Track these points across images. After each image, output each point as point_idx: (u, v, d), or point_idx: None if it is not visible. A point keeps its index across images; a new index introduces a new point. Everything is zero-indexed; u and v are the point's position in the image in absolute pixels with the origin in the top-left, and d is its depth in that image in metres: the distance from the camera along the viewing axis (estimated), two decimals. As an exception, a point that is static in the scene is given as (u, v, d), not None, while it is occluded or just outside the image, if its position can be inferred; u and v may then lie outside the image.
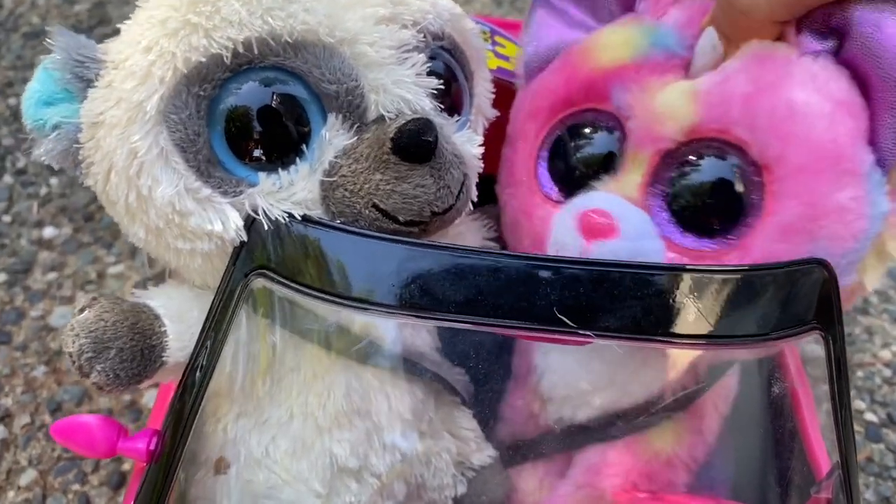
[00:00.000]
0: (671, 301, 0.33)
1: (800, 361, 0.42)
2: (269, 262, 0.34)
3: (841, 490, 0.35)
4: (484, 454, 0.45)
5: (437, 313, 0.33)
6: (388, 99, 0.35)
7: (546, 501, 0.46)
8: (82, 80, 0.35)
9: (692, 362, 0.41)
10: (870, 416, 0.72)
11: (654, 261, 0.38)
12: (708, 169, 0.38)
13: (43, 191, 0.85)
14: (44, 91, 0.35)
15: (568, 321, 0.33)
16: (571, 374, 0.45)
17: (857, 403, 0.73)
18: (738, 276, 0.34)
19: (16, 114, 0.93)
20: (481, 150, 0.40)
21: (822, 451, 0.42)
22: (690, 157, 0.39)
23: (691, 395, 0.42)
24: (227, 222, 0.34)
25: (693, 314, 0.33)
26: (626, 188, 0.40)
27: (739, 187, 0.38)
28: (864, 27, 0.36)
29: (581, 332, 0.33)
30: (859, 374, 0.75)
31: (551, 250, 0.41)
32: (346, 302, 0.33)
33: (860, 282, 0.39)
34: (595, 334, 0.33)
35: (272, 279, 0.34)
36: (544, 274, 0.33)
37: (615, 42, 0.42)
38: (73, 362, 0.35)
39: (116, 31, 0.36)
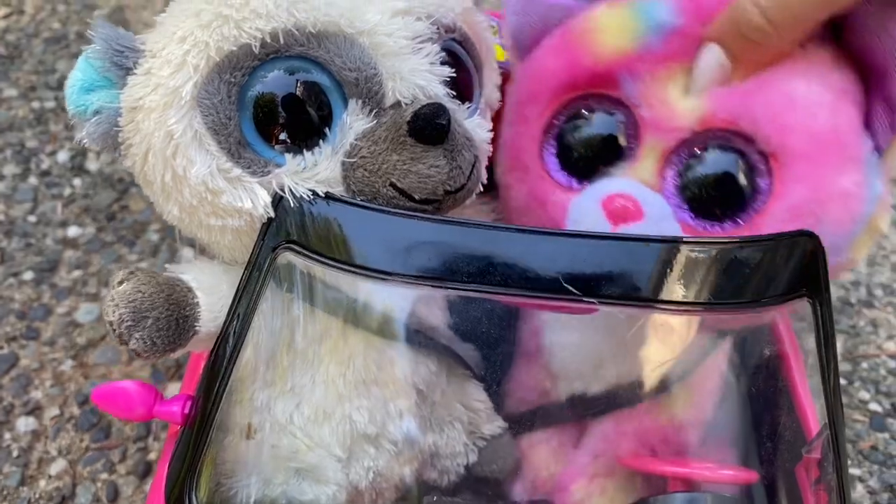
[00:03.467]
0: (669, 270, 0.35)
1: (792, 332, 0.44)
2: (295, 236, 0.36)
3: (829, 449, 0.37)
4: (494, 424, 0.48)
5: (450, 282, 0.35)
6: (404, 86, 0.38)
7: (563, 473, 0.47)
8: (122, 68, 0.38)
9: (694, 330, 0.43)
10: (874, 406, 0.73)
11: None
12: (718, 157, 0.40)
13: (67, 192, 0.88)
14: (85, 79, 0.38)
15: (574, 290, 0.35)
16: (579, 350, 0.46)
17: (862, 394, 0.74)
18: (732, 246, 0.36)
19: (39, 117, 0.96)
20: (490, 134, 0.43)
21: (813, 414, 0.43)
22: (703, 145, 0.40)
23: (696, 360, 0.44)
24: (255, 200, 0.36)
25: (689, 282, 0.35)
26: (643, 174, 0.41)
27: (748, 175, 0.40)
28: (862, 18, 0.38)
29: (586, 299, 0.35)
30: (864, 365, 0.76)
31: None
32: (366, 273, 0.36)
33: (853, 258, 0.41)
34: (599, 302, 0.35)
35: (298, 252, 0.36)
36: (551, 246, 0.36)
37: (614, 27, 0.42)
38: (114, 331, 0.37)
39: (138, 33, 0.39)
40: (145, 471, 0.66)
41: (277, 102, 0.36)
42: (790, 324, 0.45)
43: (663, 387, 0.45)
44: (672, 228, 0.40)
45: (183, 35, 0.36)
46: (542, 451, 0.49)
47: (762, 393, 0.45)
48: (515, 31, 0.47)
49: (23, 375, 0.71)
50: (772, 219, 0.39)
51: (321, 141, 0.37)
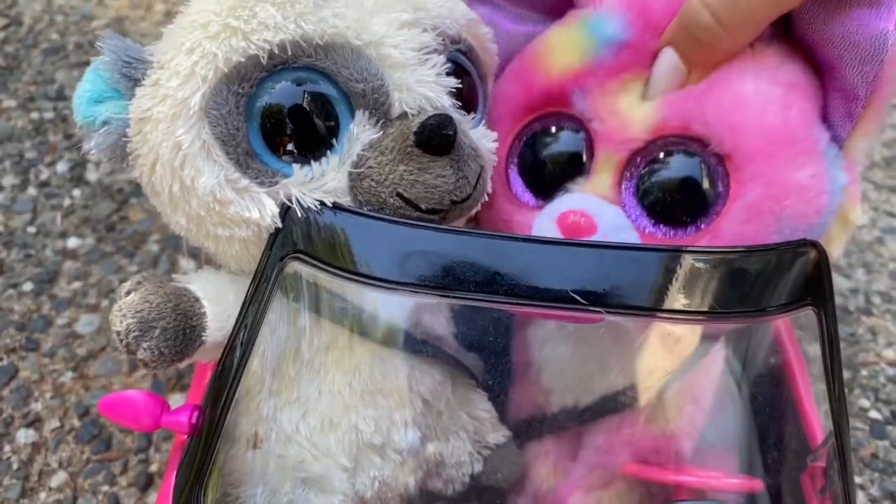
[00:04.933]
0: (674, 280, 0.35)
1: (794, 338, 0.44)
2: (303, 246, 0.37)
3: (835, 458, 0.38)
4: (499, 434, 0.48)
5: (457, 292, 0.36)
6: (410, 97, 0.38)
7: (561, 486, 0.47)
8: (130, 79, 0.38)
9: (688, 336, 0.43)
10: (874, 414, 0.73)
11: None
12: (675, 164, 0.41)
13: (66, 202, 0.88)
14: (94, 90, 0.38)
15: (580, 300, 0.35)
16: (566, 363, 0.47)
17: (862, 402, 0.74)
18: (737, 256, 0.36)
19: (38, 128, 0.96)
20: (496, 145, 0.43)
21: (818, 422, 0.44)
22: (657, 153, 0.41)
23: (688, 367, 0.44)
24: (263, 210, 0.37)
25: (694, 292, 0.35)
26: (599, 187, 0.42)
27: (705, 179, 0.40)
28: (809, 12, 0.38)
29: (592, 309, 0.35)
30: (864, 372, 0.76)
31: None
32: (373, 282, 0.36)
33: (829, 251, 0.41)
34: (605, 311, 0.35)
35: (306, 262, 0.36)
36: (558, 256, 0.36)
37: (564, 46, 0.43)
38: (121, 341, 0.37)
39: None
40: (147, 482, 0.65)
41: (285, 113, 0.37)
42: (792, 330, 0.45)
43: (652, 395, 0.45)
44: (627, 237, 0.41)
45: (191, 46, 0.36)
46: (541, 465, 0.49)
47: (764, 401, 0.45)
48: None
49: (22, 387, 0.71)
50: (731, 220, 0.39)
51: (328, 151, 0.38)
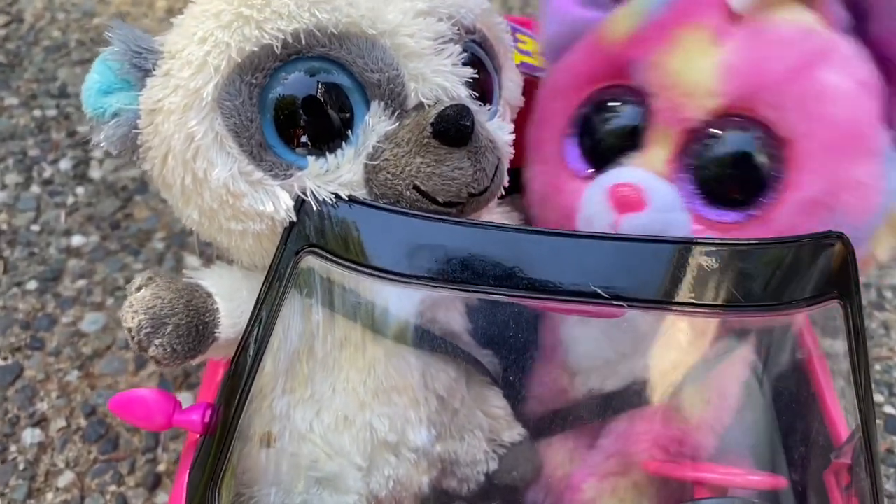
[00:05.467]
0: (698, 273, 0.34)
1: (815, 335, 0.44)
2: (318, 240, 0.36)
3: (862, 453, 0.37)
4: (514, 431, 0.47)
5: (475, 286, 0.35)
6: (427, 87, 0.37)
7: (576, 472, 0.47)
8: (141, 69, 0.37)
9: (713, 331, 0.42)
10: (889, 409, 0.73)
11: (682, 232, 0.40)
12: (733, 144, 0.40)
13: (70, 200, 0.87)
14: (103, 81, 0.37)
15: (602, 293, 0.34)
16: (596, 344, 0.46)
17: (876, 396, 0.74)
18: (761, 249, 0.35)
19: (41, 125, 0.95)
20: (512, 136, 0.42)
21: (841, 419, 0.43)
22: (716, 132, 0.40)
23: (713, 360, 0.43)
24: (277, 203, 0.36)
25: (718, 285, 0.34)
26: (654, 163, 0.41)
27: (762, 161, 0.39)
28: (883, 9, 0.38)
29: (615, 303, 0.34)
30: (877, 367, 0.76)
31: (582, 224, 0.43)
32: (390, 276, 0.35)
33: (873, 253, 0.41)
34: (627, 305, 0.34)
35: (321, 256, 0.36)
36: (577, 248, 0.35)
37: (625, 13, 0.43)
38: (133, 337, 0.36)
39: None
40: (154, 482, 0.65)
41: (299, 104, 0.36)
42: (812, 326, 0.44)
43: (677, 387, 0.44)
44: (678, 217, 0.40)
45: (203, 36, 0.35)
46: (557, 452, 0.48)
47: (787, 397, 0.45)
48: (551, 38, 0.48)
49: (28, 387, 0.70)
50: (787, 210, 0.39)
51: (344, 143, 0.37)
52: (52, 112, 0.97)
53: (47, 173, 0.90)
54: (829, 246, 0.36)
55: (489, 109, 0.42)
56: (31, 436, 0.67)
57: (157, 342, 0.37)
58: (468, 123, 0.36)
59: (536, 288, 0.34)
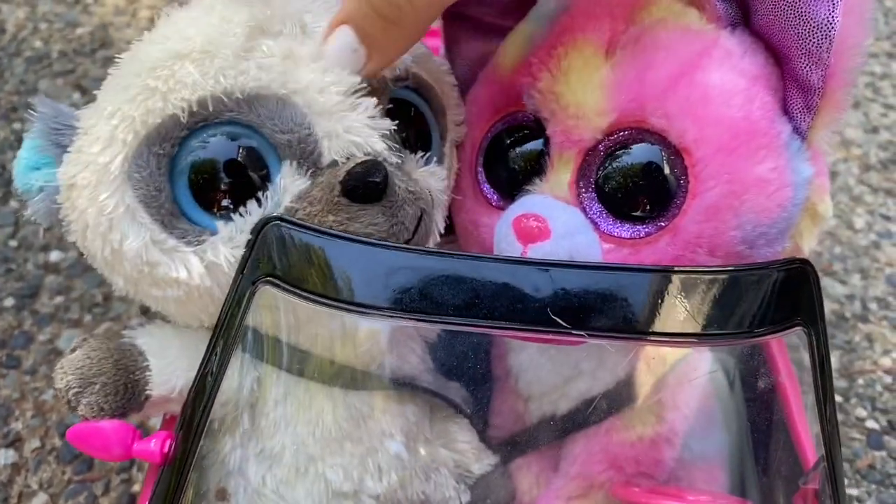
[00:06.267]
0: (660, 301, 0.34)
1: (788, 358, 0.43)
2: (275, 269, 0.35)
3: (827, 481, 0.36)
4: (484, 462, 0.47)
5: (433, 316, 0.34)
6: (339, 144, 0.37)
7: (542, 496, 0.47)
8: (59, 146, 0.38)
9: (663, 356, 0.42)
10: (871, 424, 0.72)
11: (591, 253, 0.39)
12: (631, 158, 0.39)
13: (48, 216, 0.88)
14: (29, 157, 0.38)
15: (561, 322, 0.33)
16: (543, 370, 0.46)
17: (859, 411, 0.73)
18: (724, 276, 0.34)
19: (20, 139, 0.94)
20: (445, 183, 0.42)
21: (810, 444, 0.42)
22: (613, 148, 0.39)
23: (661, 377, 0.43)
24: (191, 270, 0.36)
25: (681, 313, 0.34)
26: (557, 188, 0.41)
27: (663, 172, 0.38)
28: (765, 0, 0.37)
29: (574, 332, 0.34)
30: (860, 381, 0.75)
31: None
32: (348, 307, 0.34)
33: (798, 246, 0.40)
34: (587, 334, 0.34)
35: (278, 286, 0.35)
36: (536, 276, 0.34)
37: (512, 39, 0.43)
38: (62, 397, 0.38)
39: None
40: (129, 503, 0.66)
41: (208, 169, 0.36)
42: (784, 346, 0.44)
43: (630, 401, 0.44)
44: (585, 239, 0.39)
45: (112, 111, 0.36)
46: (525, 477, 0.48)
47: (755, 420, 0.44)
48: (462, 75, 0.48)
49: (2, 406, 0.71)
50: (691, 218, 0.38)
51: (257, 205, 0.37)
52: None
53: (25, 188, 0.90)
54: (792, 272, 0.35)
55: (422, 157, 0.41)
56: (4, 456, 0.68)
57: (84, 401, 0.38)
58: (378, 180, 0.36)
59: (496, 317, 0.34)
